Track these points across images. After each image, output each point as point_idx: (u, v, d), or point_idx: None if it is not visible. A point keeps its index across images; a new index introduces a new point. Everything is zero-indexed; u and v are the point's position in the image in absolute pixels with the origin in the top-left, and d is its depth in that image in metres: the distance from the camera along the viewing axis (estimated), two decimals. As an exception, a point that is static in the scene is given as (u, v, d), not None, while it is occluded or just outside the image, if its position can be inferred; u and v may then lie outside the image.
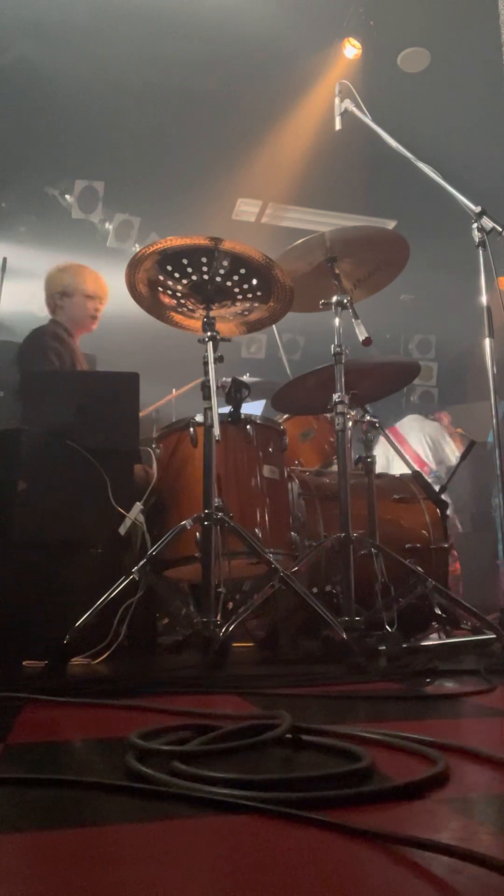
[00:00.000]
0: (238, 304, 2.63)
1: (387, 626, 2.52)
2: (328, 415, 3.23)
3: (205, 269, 2.47)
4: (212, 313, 2.56)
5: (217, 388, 2.41)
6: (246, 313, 2.70)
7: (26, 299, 6.30)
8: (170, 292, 2.59)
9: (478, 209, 2.75)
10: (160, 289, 2.58)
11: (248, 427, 2.73)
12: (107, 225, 6.59)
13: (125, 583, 2.23)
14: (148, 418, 4.20)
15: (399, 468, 3.62)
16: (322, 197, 6.45)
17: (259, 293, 2.59)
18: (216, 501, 2.40)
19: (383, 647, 2.39)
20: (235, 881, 0.64)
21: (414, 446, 5.73)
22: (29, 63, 5.35)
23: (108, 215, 6.57)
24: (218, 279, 2.50)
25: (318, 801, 0.82)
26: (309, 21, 5.36)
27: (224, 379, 2.60)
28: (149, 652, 2.69)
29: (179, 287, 2.55)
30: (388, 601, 2.62)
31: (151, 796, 0.85)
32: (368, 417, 2.94)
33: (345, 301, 2.74)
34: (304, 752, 1.09)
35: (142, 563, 2.28)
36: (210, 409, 2.42)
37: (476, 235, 2.75)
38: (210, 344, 2.50)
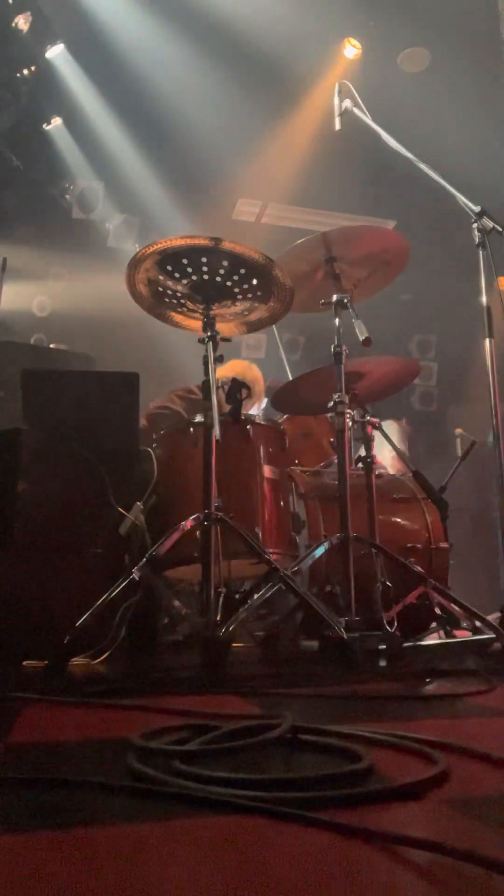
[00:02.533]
0: (238, 304, 2.63)
1: (387, 626, 2.52)
2: (328, 415, 3.23)
3: (205, 269, 2.47)
4: (212, 313, 2.56)
5: (217, 388, 2.41)
6: (246, 313, 2.70)
7: (26, 299, 6.31)
8: (170, 292, 2.59)
9: (478, 209, 2.76)
10: (160, 289, 2.58)
11: (248, 427, 2.73)
12: (107, 225, 6.59)
13: (125, 583, 2.22)
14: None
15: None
16: (322, 197, 6.44)
17: (259, 293, 2.59)
18: (216, 501, 2.40)
19: (383, 647, 2.39)
20: (236, 881, 0.64)
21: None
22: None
23: (108, 215, 6.57)
24: (218, 279, 2.50)
25: (319, 801, 0.82)
26: (309, 21, 5.36)
27: (224, 379, 2.60)
28: (149, 652, 2.69)
29: (179, 287, 2.55)
30: (388, 601, 2.62)
31: (152, 796, 0.85)
32: (368, 417, 2.94)
33: (345, 301, 2.74)
34: (304, 753, 1.09)
35: (142, 562, 2.28)
36: (210, 409, 2.42)
37: (476, 235, 2.75)
38: (210, 344, 2.50)
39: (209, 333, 2.51)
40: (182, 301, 2.61)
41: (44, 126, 5.90)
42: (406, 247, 2.80)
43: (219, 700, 1.65)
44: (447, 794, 0.87)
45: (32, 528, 2.40)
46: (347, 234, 2.78)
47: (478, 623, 2.53)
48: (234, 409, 2.67)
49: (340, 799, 0.83)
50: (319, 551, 2.60)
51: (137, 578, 2.24)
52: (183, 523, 2.39)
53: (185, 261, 2.45)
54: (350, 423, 2.76)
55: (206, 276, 2.49)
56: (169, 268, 2.49)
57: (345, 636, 2.17)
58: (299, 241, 2.78)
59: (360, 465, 2.93)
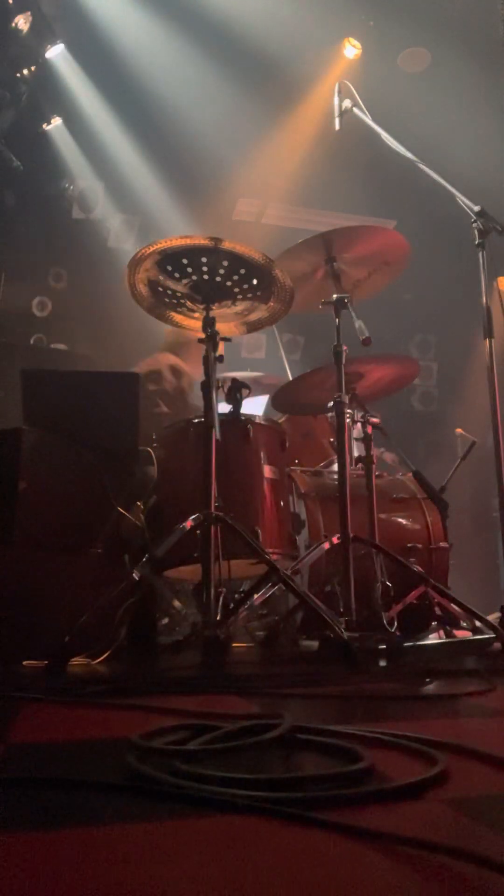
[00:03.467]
0: (238, 304, 2.63)
1: (387, 626, 2.52)
2: (328, 414, 3.23)
3: (205, 269, 2.47)
4: (212, 313, 2.56)
5: (217, 388, 2.42)
6: (246, 313, 2.70)
7: (26, 299, 6.31)
8: (170, 292, 2.59)
9: (477, 209, 2.76)
10: (160, 288, 2.58)
11: (248, 427, 2.73)
12: (107, 225, 6.59)
13: (125, 583, 2.23)
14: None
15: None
16: (322, 197, 6.44)
17: (259, 293, 2.59)
18: (216, 501, 2.40)
19: (383, 647, 2.39)
20: (236, 881, 0.64)
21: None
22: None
23: (108, 215, 6.57)
24: (218, 279, 2.50)
25: (319, 801, 0.82)
26: (309, 21, 5.36)
27: (223, 376, 2.60)
28: (149, 652, 2.69)
29: (179, 287, 2.55)
30: (388, 601, 2.62)
31: (152, 796, 0.85)
32: (369, 417, 2.94)
33: (345, 301, 2.74)
34: (304, 752, 1.09)
35: (142, 562, 2.28)
36: (210, 408, 2.42)
37: (476, 235, 2.75)
38: (210, 344, 2.50)
39: (209, 333, 2.51)
40: (182, 301, 2.61)
41: (44, 126, 5.90)
42: (406, 247, 2.80)
43: (219, 700, 1.65)
44: (447, 794, 0.87)
45: (32, 527, 2.40)
46: (347, 234, 2.78)
47: (478, 623, 2.53)
48: (235, 409, 2.68)
49: (340, 799, 0.83)
50: (319, 551, 2.60)
51: (137, 578, 2.24)
52: (183, 524, 2.39)
53: (185, 261, 2.45)
54: (350, 423, 2.76)
55: (206, 276, 2.49)
56: (169, 268, 2.49)
57: (345, 636, 2.17)
58: (299, 241, 2.78)
59: (359, 465, 2.93)
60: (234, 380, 2.67)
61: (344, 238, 2.76)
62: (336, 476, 2.71)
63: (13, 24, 5.06)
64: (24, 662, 2.27)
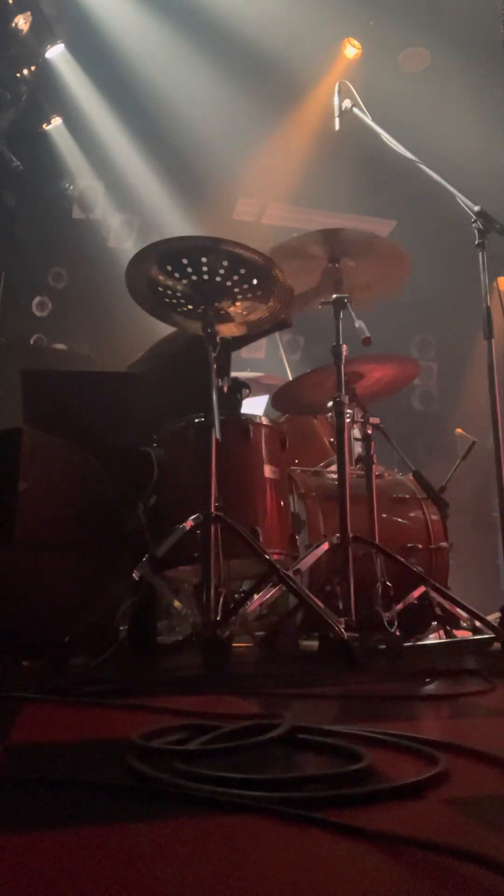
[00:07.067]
0: (238, 303, 2.63)
1: (387, 626, 2.52)
2: (328, 415, 3.23)
3: (205, 268, 2.47)
4: (211, 313, 2.56)
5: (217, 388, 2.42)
6: (246, 313, 2.70)
7: (26, 299, 6.31)
8: (170, 292, 2.58)
9: (477, 209, 2.76)
10: (160, 288, 2.57)
11: (248, 427, 2.73)
12: (107, 225, 6.59)
13: (125, 583, 2.22)
14: None
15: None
16: (322, 197, 6.44)
17: (259, 293, 2.59)
18: (216, 501, 2.40)
19: (383, 647, 2.39)
20: (236, 881, 0.64)
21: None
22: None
23: (108, 215, 6.57)
24: (218, 279, 2.50)
25: (318, 801, 0.82)
26: (309, 21, 5.36)
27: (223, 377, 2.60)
28: (149, 652, 2.69)
29: (179, 287, 2.55)
30: (388, 601, 2.62)
31: (152, 796, 0.85)
32: (369, 417, 2.94)
33: (344, 301, 2.74)
34: (304, 752, 1.09)
35: (142, 562, 2.28)
36: (211, 408, 2.42)
37: (476, 235, 2.75)
38: (210, 343, 2.50)
39: (209, 333, 2.51)
40: (182, 301, 2.61)
41: (44, 126, 5.90)
42: (407, 263, 2.79)
43: (219, 700, 1.65)
44: (447, 794, 0.87)
45: (32, 528, 2.40)
46: (349, 236, 2.77)
47: (478, 623, 2.53)
48: (234, 408, 2.67)
49: (340, 799, 0.83)
50: (319, 551, 2.60)
51: (137, 578, 2.24)
52: (183, 525, 2.39)
53: (185, 260, 2.45)
54: (350, 423, 2.76)
55: (206, 276, 2.49)
56: (169, 267, 2.48)
57: (345, 636, 2.17)
58: (299, 235, 2.77)
59: (359, 464, 2.93)
60: (234, 380, 2.67)
61: (346, 240, 2.75)
62: (336, 476, 2.71)
63: (13, 24, 5.06)
64: (24, 662, 2.27)
